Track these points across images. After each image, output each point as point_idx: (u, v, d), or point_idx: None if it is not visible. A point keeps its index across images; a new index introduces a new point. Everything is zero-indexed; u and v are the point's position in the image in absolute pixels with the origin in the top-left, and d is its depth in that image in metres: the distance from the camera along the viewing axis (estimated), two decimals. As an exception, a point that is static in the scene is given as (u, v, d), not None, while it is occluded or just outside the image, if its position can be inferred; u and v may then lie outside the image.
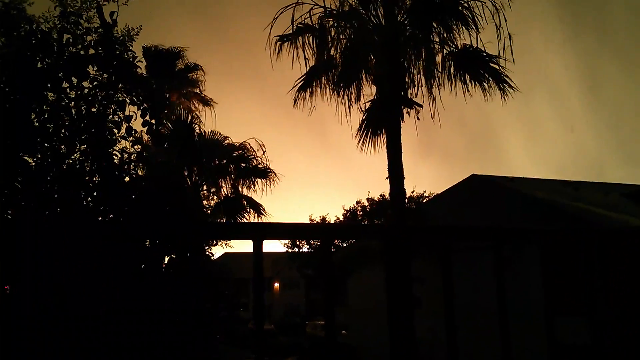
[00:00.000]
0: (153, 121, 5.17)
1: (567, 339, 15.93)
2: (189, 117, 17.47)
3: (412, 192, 42.21)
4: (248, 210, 18.09)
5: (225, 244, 17.63)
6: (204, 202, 17.03)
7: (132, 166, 5.02)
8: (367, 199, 41.36)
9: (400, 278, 10.32)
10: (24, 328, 3.85)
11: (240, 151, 17.79)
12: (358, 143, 11.59)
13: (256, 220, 17.62)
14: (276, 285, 62.83)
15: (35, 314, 3.81)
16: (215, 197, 17.60)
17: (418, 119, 11.34)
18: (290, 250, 49.29)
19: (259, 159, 17.62)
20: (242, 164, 17.79)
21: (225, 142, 17.66)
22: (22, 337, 3.84)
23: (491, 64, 11.24)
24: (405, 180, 11.16)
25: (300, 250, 49.50)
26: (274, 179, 17.79)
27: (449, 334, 1.18)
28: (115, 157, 4.85)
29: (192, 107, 18.50)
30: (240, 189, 17.98)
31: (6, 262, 3.97)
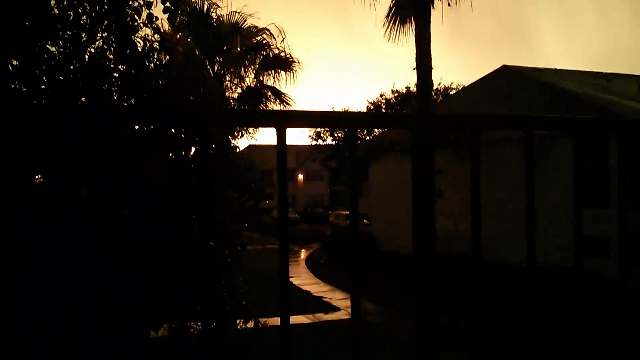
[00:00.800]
0: (173, 8, 5.01)
1: (594, 231, 16.15)
2: (206, 5, 16.92)
3: (439, 84, 41.32)
4: (272, 100, 18.03)
5: (250, 136, 17.76)
6: (227, 94, 16.94)
7: (155, 54, 4.93)
8: (392, 90, 40.69)
9: (424, 169, 10.34)
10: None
11: (259, 37, 17.31)
12: (385, 32, 11.18)
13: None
14: (300, 176, 63.96)
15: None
16: (238, 89, 17.49)
17: (449, 4, 10.80)
18: (314, 143, 49.64)
19: (280, 47, 17.21)
20: (263, 52, 17.42)
21: (245, 24, 17.12)
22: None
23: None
24: (433, 71, 10.84)
25: (324, 142, 49.76)
26: (297, 70, 17.49)
27: (474, 224, 1.19)
28: (138, 45, 4.76)
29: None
30: (263, 80, 17.79)
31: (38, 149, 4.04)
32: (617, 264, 1.42)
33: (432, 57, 10.83)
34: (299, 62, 17.52)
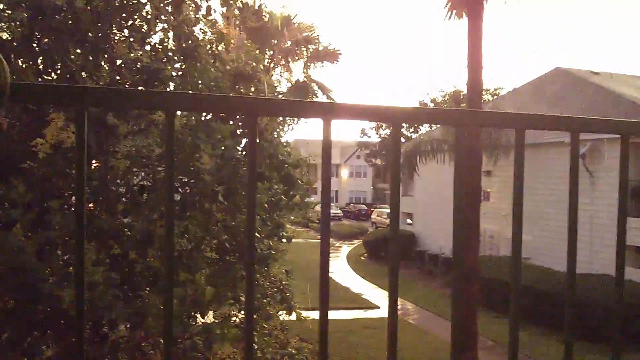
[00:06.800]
0: (232, 1, 5.13)
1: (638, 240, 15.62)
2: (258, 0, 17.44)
3: (495, 89, 41.00)
4: (317, 96, 18.33)
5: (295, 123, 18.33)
6: (276, 87, 17.34)
7: (213, 45, 5.06)
8: (439, 91, 40.30)
9: (471, 168, 10.19)
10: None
11: (308, 32, 17.74)
12: (445, 18, 11.16)
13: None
14: (344, 172, 63.94)
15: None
16: (287, 83, 17.82)
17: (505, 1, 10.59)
18: (360, 139, 49.69)
19: (326, 44, 17.71)
20: (311, 45, 17.83)
21: (294, 18, 17.65)
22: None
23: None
24: (483, 70, 10.70)
25: (369, 138, 49.71)
26: (337, 60, 18.05)
27: (515, 228, 1.20)
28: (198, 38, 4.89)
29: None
30: (310, 73, 18.15)
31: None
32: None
33: (483, 56, 10.67)
34: (341, 54, 18.02)
